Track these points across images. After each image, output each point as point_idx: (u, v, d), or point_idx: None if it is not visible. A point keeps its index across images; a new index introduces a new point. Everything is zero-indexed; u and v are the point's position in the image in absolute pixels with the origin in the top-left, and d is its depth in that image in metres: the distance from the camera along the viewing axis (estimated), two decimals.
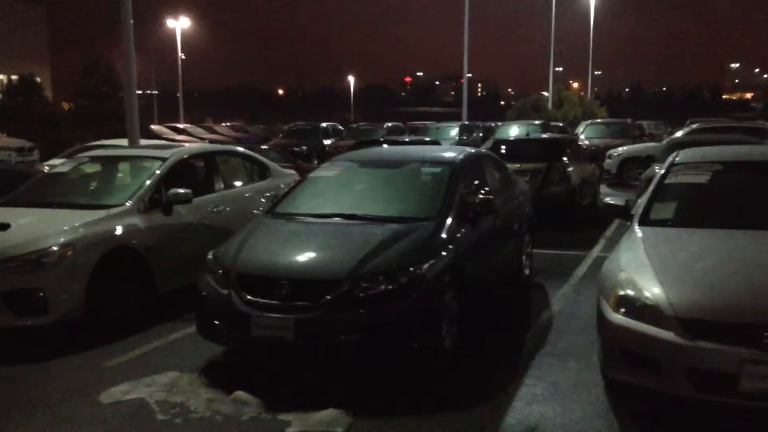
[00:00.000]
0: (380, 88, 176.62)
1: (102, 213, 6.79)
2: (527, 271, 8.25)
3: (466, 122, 28.43)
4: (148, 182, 7.31)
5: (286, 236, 5.87)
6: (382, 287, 5.14)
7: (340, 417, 4.69)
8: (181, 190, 7.29)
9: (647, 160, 13.76)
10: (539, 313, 7.06)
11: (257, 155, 9.40)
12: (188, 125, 36.85)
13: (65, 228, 6.43)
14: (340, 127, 30.97)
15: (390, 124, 32.00)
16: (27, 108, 29.33)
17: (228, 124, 38.89)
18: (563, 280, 8.26)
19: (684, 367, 4.24)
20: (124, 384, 5.31)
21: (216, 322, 5.39)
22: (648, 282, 4.54)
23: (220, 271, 5.50)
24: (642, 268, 4.72)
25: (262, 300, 5.17)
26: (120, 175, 7.91)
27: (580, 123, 28.43)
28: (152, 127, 33.22)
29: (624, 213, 6.03)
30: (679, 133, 18.97)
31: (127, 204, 7.01)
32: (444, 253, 5.64)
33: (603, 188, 15.99)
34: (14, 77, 30.27)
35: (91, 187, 7.76)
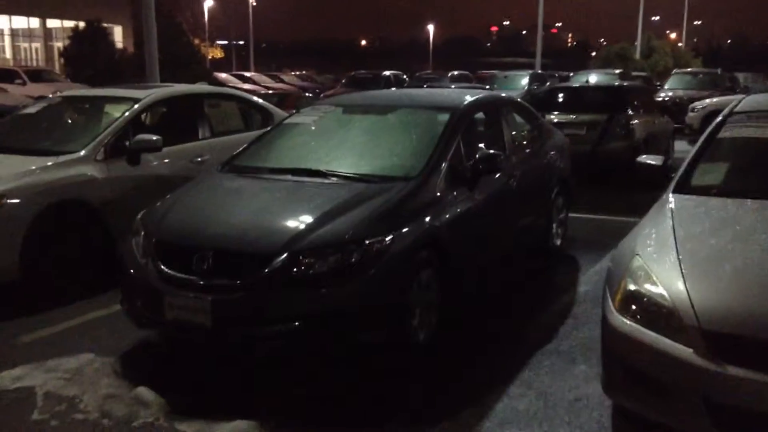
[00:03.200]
0: (466, 39, 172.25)
1: (49, 160, 5.88)
2: (558, 241, 6.91)
3: (539, 71, 26.49)
4: (110, 126, 6.35)
5: (223, 196, 4.80)
6: (328, 264, 4.01)
7: (251, 431, 3.64)
8: (150, 137, 6.30)
9: None
10: (559, 295, 5.79)
11: (259, 100, 8.30)
12: (254, 74, 36.19)
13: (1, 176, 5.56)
14: (405, 77, 29.47)
15: (456, 73, 30.21)
16: (93, 54, 29.15)
17: (296, 73, 38.08)
18: (602, 253, 6.87)
19: (704, 399, 2.97)
20: (21, 367, 4.39)
21: (132, 298, 4.42)
22: (667, 274, 3.25)
23: (142, 235, 4.49)
24: (663, 254, 3.41)
25: (177, 274, 4.14)
26: (86, 118, 6.99)
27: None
28: (217, 74, 32.65)
29: (661, 175, 4.62)
30: None
31: (82, 152, 6.09)
32: (421, 222, 4.46)
33: (683, 145, 14.19)
34: (81, 24, 30.12)
35: (53, 131, 6.88)
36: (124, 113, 6.50)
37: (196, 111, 7.31)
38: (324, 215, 4.23)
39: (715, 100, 17.37)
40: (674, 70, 23.70)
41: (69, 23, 33.20)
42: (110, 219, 6.06)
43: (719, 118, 4.66)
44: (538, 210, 6.37)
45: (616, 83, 14.28)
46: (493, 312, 5.45)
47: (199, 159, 6.92)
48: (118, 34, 38.28)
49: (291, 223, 4.19)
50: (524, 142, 6.36)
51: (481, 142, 5.47)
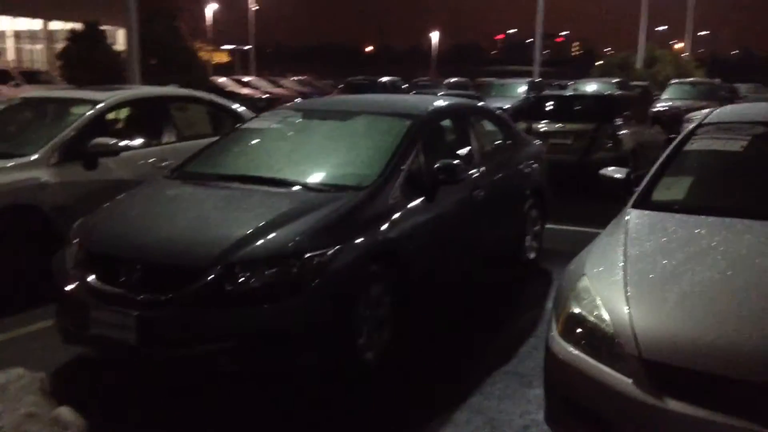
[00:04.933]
0: (471, 47, 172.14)
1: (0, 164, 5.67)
2: (532, 255, 6.65)
3: (537, 79, 26.21)
4: (66, 129, 6.13)
5: (161, 204, 4.56)
6: (264, 279, 3.76)
7: None
8: (107, 140, 6.08)
9: None
10: (525, 311, 5.54)
11: (228, 103, 8.07)
12: (253, 78, 35.96)
13: None
14: (404, 84, 29.20)
15: (453, 80, 29.97)
16: (90, 56, 28.98)
17: (296, 78, 37.86)
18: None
19: None
20: None
21: (61, 311, 4.18)
22: (611, 296, 3.00)
23: (75, 244, 4.26)
24: (610, 274, 3.16)
25: (104, 287, 3.90)
26: (44, 120, 6.76)
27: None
28: (215, 79, 32.43)
29: (623, 189, 4.36)
30: None
31: (35, 155, 5.86)
32: (371, 234, 4.21)
33: None
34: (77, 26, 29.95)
35: (9, 134, 6.66)
36: (81, 116, 6.28)
37: (161, 114, 7.08)
38: (264, 226, 3.99)
39: (707, 111, 17.11)
40: (672, 80, 23.39)
41: (71, 26, 33.08)
42: (62, 226, 5.81)
43: (688, 129, 4.41)
44: (509, 222, 6.11)
45: (606, 92, 14.00)
46: (450, 329, 5.19)
47: (164, 164, 6.68)
48: (120, 36, 38.15)
49: (226, 234, 3.94)
50: (494, 152, 6.11)
51: (445, 151, 5.23)
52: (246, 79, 34.82)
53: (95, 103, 6.46)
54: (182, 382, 4.17)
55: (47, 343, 4.79)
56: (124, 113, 6.86)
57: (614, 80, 23.50)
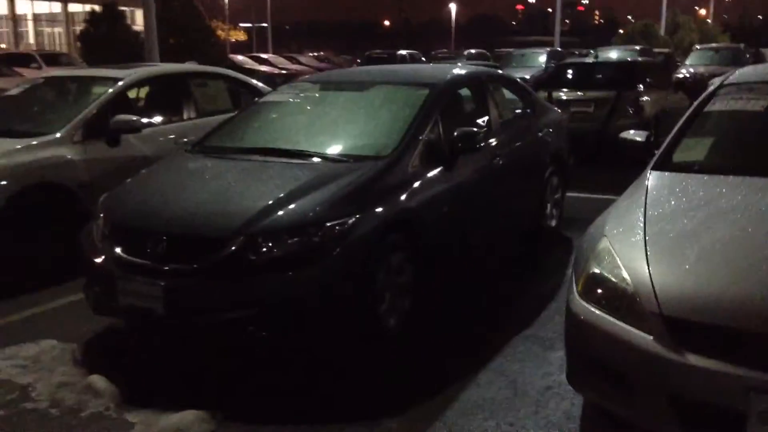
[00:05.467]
0: (491, 18, 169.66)
1: (25, 142, 5.76)
2: (553, 223, 6.64)
3: (558, 48, 25.93)
4: (89, 106, 6.20)
5: (183, 178, 4.61)
6: (287, 248, 3.82)
7: (197, 423, 3.48)
8: (129, 117, 6.15)
9: None
10: (546, 278, 5.56)
11: (248, 79, 8.10)
12: (271, 55, 35.98)
13: None
14: (423, 57, 29.05)
15: (473, 51, 29.71)
16: (109, 37, 29.10)
17: (313, 54, 37.79)
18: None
19: (667, 392, 2.74)
20: None
21: (90, 284, 4.28)
22: (631, 255, 3.02)
23: (102, 218, 4.35)
24: (630, 235, 3.18)
25: (131, 258, 3.98)
26: (67, 99, 6.84)
27: None
28: (234, 57, 32.50)
29: (644, 152, 4.34)
30: None
31: (58, 133, 5.95)
32: (391, 203, 4.25)
33: None
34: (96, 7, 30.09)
35: (34, 113, 6.76)
36: (103, 93, 6.35)
37: (182, 91, 7.13)
38: (285, 196, 4.04)
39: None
40: (695, 46, 23.01)
41: (90, 8, 33.23)
42: (87, 202, 5.92)
43: (709, 90, 4.37)
44: (529, 190, 6.11)
45: (628, 59, 13.83)
46: (473, 296, 5.23)
47: (185, 140, 6.75)
48: (139, 17, 38.23)
49: (249, 205, 4.00)
50: (513, 119, 6.09)
51: (464, 120, 5.24)
52: (264, 56, 34.85)
53: (116, 80, 6.52)
54: (208, 350, 4.27)
55: (77, 315, 4.91)
56: (145, 90, 6.91)
57: (637, 47, 23.18)
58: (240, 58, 33.36)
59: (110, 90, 6.39)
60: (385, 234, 4.15)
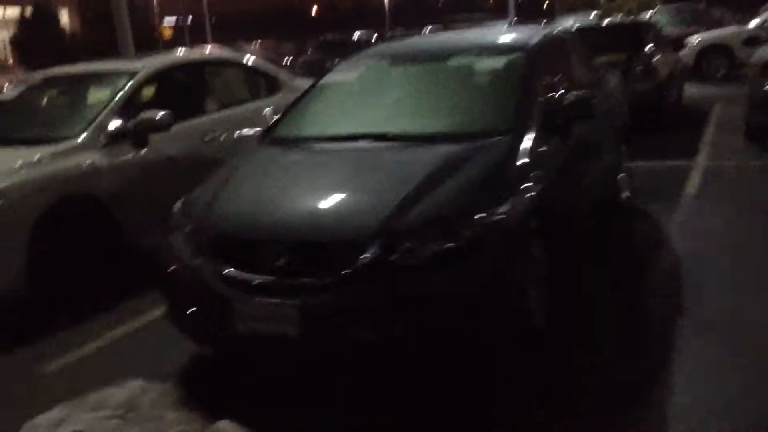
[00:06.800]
0: (413, 1, 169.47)
1: (46, 150, 4.95)
2: (627, 193, 6.14)
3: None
4: (109, 105, 5.40)
5: (282, 174, 3.93)
6: (436, 246, 3.20)
7: None
8: (157, 114, 5.37)
9: None
10: (657, 255, 5.06)
11: (263, 64, 7.35)
12: (215, 48, 34.64)
13: None
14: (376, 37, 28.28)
15: (431, 27, 29.15)
16: (43, 40, 27.58)
17: (255, 44, 36.55)
18: (673, 202, 6.17)
19: None
20: (59, 407, 3.52)
21: (186, 308, 3.56)
22: None
23: (189, 229, 3.62)
24: None
25: (248, 276, 3.29)
26: (76, 98, 5.99)
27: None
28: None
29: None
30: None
31: (82, 136, 5.15)
32: (528, 185, 3.65)
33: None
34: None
35: (39, 117, 5.90)
36: (121, 89, 5.54)
37: (199, 81, 6.39)
38: (419, 187, 3.42)
39: (706, 35, 16.75)
40: (657, 7, 22.93)
41: (11, 11, 31.40)
42: (120, 214, 5.16)
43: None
44: (611, 158, 5.59)
45: (630, 20, 13.52)
46: (596, 286, 4.64)
47: (209, 138, 6.00)
48: (64, 16, 36.37)
49: (382, 201, 3.36)
50: (593, 83, 5.56)
51: (558, 85, 4.67)
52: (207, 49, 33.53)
53: (132, 73, 5.71)
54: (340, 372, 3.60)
55: (145, 346, 4.25)
56: (160, 83, 6.10)
57: (593, 14, 22.94)
58: None
59: (128, 85, 5.59)
60: (529, 220, 3.57)
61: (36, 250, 4.60)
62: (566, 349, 3.75)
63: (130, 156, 5.34)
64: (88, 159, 5.04)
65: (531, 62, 4.42)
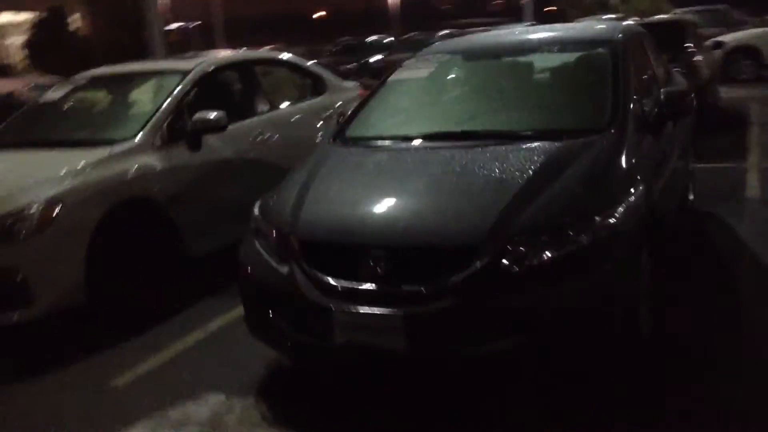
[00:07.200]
0: (421, 4, 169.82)
1: (102, 152, 4.73)
2: (692, 195, 5.93)
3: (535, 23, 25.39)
4: (164, 105, 5.18)
5: (369, 176, 3.70)
6: (552, 251, 2.97)
7: None
8: (212, 114, 5.15)
9: None
10: (741, 263, 4.81)
11: (309, 64, 7.13)
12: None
13: (49, 177, 4.43)
14: (392, 40, 28.02)
15: (447, 32, 28.85)
16: (57, 43, 27.43)
17: (268, 48, 36.35)
18: (735, 204, 5.97)
19: None
20: (140, 425, 3.33)
21: (272, 317, 3.34)
22: None
23: (275, 234, 3.40)
24: None
25: (348, 284, 3.06)
26: (128, 99, 5.76)
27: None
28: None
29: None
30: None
31: (138, 138, 4.94)
32: (638, 188, 3.40)
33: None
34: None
35: (90, 118, 5.68)
36: (175, 89, 5.32)
37: (250, 81, 6.17)
38: (525, 188, 3.19)
39: (735, 36, 16.48)
40: (674, 10, 22.68)
41: (23, 16, 31.22)
42: (178, 217, 4.95)
43: None
44: (685, 158, 5.35)
45: (671, 17, 13.27)
46: (691, 294, 4.38)
47: (262, 138, 5.78)
48: (77, 21, 36.20)
49: (489, 203, 3.13)
50: (667, 80, 5.32)
51: (647, 80, 4.45)
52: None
53: (184, 73, 5.50)
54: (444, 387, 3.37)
55: (219, 357, 4.02)
56: (214, 83, 5.87)
57: (614, 16, 22.72)
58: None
59: (181, 84, 5.37)
60: (641, 226, 3.33)
61: (95, 257, 4.39)
62: (673, 359, 3.52)
63: (185, 158, 5.13)
64: (145, 161, 4.82)
65: (622, 55, 4.18)
